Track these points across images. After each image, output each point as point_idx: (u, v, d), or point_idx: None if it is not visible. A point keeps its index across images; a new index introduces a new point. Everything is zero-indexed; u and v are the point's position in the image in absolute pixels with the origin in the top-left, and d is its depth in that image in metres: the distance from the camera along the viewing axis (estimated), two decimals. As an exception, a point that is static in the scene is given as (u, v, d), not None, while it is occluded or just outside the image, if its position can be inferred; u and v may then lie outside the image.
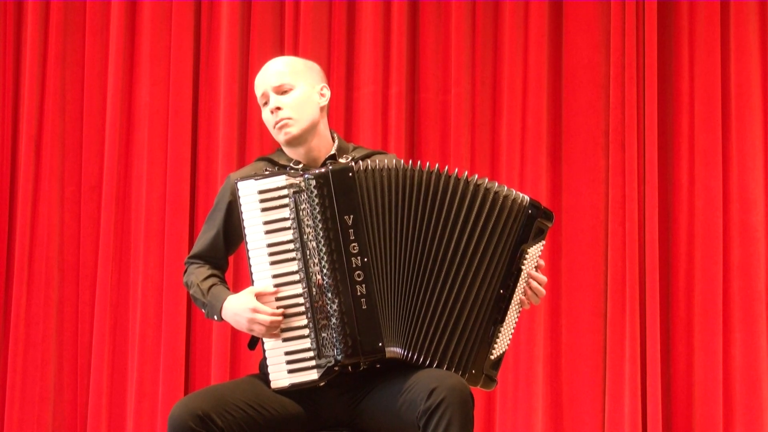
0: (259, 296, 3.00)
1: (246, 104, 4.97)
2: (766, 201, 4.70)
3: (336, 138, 3.25)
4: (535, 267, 3.09)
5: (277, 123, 3.15)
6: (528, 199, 3.05)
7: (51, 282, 5.02)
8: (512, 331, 3.08)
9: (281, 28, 4.99)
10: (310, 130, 3.17)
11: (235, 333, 4.87)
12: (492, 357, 3.03)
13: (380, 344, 2.94)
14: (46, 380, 4.99)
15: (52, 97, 5.07)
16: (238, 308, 3.03)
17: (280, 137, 3.17)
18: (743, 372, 4.64)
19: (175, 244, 4.89)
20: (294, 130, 3.15)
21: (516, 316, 3.09)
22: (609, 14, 4.78)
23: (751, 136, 4.73)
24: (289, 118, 3.14)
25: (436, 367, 2.97)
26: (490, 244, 3.02)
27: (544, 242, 3.09)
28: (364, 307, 2.95)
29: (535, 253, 3.07)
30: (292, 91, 3.16)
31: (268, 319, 2.98)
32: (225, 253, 3.26)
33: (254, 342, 3.12)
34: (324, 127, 3.22)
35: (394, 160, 3.15)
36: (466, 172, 3.05)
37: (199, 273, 3.21)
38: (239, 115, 4.94)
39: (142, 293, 4.93)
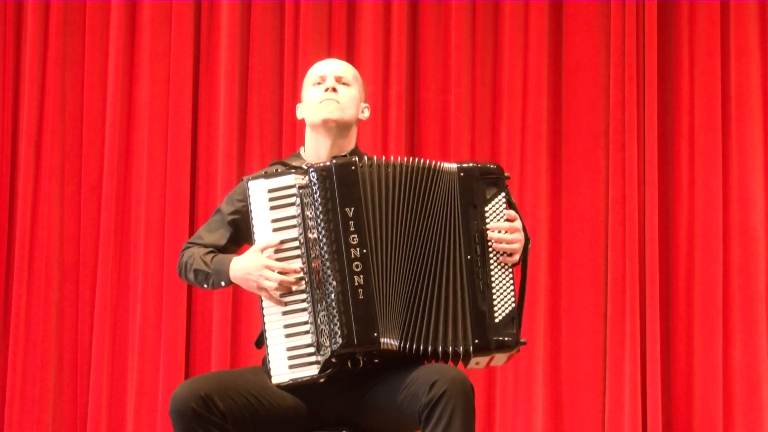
0: (265, 250, 3.05)
1: (246, 104, 4.97)
2: (766, 201, 4.70)
3: (354, 146, 3.31)
4: (504, 220, 3.08)
5: (326, 99, 3.21)
6: (456, 165, 3.08)
7: (51, 282, 5.02)
8: (510, 288, 3.06)
9: (281, 28, 4.99)
10: (346, 128, 3.24)
11: (235, 333, 4.87)
12: (497, 320, 3.03)
13: (375, 334, 2.97)
14: (46, 380, 4.99)
15: (52, 97, 5.07)
16: (249, 266, 3.06)
17: (322, 113, 3.21)
18: (743, 372, 4.64)
19: (175, 244, 4.89)
20: (337, 114, 3.21)
21: (505, 273, 3.07)
22: (609, 14, 4.78)
23: (751, 136, 4.73)
24: (338, 102, 3.21)
25: (433, 349, 2.99)
26: (437, 220, 3.04)
27: (503, 194, 3.09)
28: (361, 297, 2.97)
29: (495, 209, 3.08)
30: (350, 88, 3.25)
31: (279, 276, 3.01)
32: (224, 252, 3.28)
33: (261, 341, 3.13)
34: (354, 136, 3.29)
35: None
36: (426, 160, 3.07)
37: (200, 250, 3.23)
38: (239, 115, 4.94)
39: (142, 293, 4.93)
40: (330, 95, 3.21)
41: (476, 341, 3.01)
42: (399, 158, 3.07)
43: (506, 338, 3.03)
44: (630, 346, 4.62)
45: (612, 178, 4.73)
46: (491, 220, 3.07)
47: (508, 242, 3.07)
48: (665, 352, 4.69)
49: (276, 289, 3.03)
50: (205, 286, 3.20)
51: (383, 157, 3.08)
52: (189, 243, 3.29)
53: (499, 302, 3.05)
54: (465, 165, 3.09)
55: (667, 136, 4.80)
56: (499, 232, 3.06)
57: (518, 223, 3.10)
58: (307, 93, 3.28)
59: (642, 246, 4.69)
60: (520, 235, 3.10)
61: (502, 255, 3.07)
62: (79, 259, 5.05)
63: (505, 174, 3.10)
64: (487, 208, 3.07)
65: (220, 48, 4.98)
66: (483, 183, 3.07)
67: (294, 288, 3.03)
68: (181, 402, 2.93)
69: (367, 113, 3.31)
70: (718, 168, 4.71)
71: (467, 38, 4.86)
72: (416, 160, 3.07)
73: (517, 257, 3.10)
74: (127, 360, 4.97)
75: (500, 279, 3.06)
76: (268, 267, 3.03)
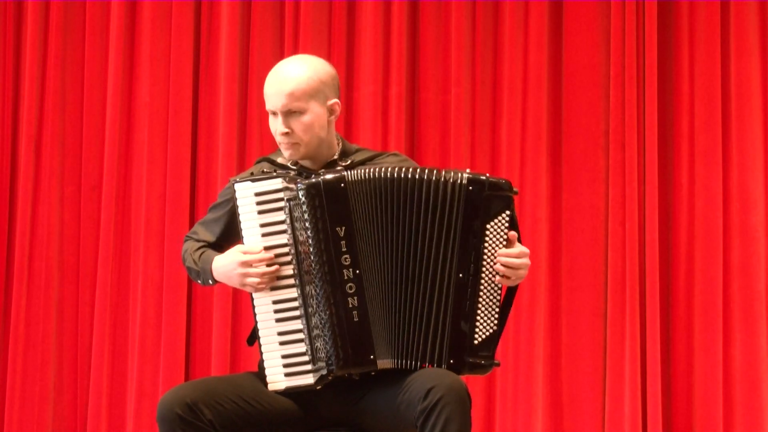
0: (246, 254, 3.01)
1: (246, 104, 4.96)
2: (766, 201, 4.70)
3: (340, 141, 3.22)
4: (505, 240, 3.00)
5: (283, 143, 3.11)
6: (467, 176, 2.97)
7: (51, 282, 5.02)
8: (496, 310, 3.00)
9: (281, 28, 4.99)
10: (316, 148, 3.13)
11: (235, 333, 4.87)
12: (476, 342, 2.99)
13: (371, 357, 2.95)
14: (46, 380, 5.00)
15: (52, 97, 5.07)
16: (228, 264, 3.04)
17: (284, 153, 3.14)
18: (743, 372, 4.64)
19: (175, 244, 4.89)
20: (298, 154, 3.11)
21: (493, 295, 3.00)
22: (609, 14, 4.78)
23: (751, 136, 4.73)
24: (296, 144, 3.10)
25: (419, 366, 2.96)
26: (432, 234, 2.97)
27: (508, 212, 2.99)
28: (356, 319, 2.94)
29: (497, 227, 3.00)
30: (303, 116, 3.08)
31: (258, 271, 2.98)
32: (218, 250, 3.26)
33: (252, 338, 3.13)
34: (333, 136, 3.18)
35: (395, 160, 3.16)
36: (421, 169, 2.98)
37: (193, 245, 3.22)
38: (239, 115, 4.94)
39: (142, 293, 4.93)
40: (284, 139, 3.09)
41: (451, 361, 2.97)
42: (396, 168, 2.99)
43: (481, 361, 2.99)
44: (630, 346, 4.62)
45: (612, 178, 4.73)
46: (491, 238, 2.99)
47: (516, 267, 3.00)
48: (665, 352, 4.69)
49: (260, 283, 3.00)
50: (199, 281, 3.19)
51: (376, 168, 3.00)
52: (188, 236, 3.28)
53: (481, 323, 2.99)
54: (474, 177, 2.98)
55: (667, 136, 4.79)
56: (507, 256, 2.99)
57: (524, 249, 3.02)
58: (269, 119, 3.14)
59: (642, 246, 4.68)
60: (526, 262, 3.02)
61: (500, 276, 2.99)
62: (79, 259, 5.05)
63: (514, 190, 3.00)
64: (488, 226, 2.98)
65: (220, 48, 4.98)
66: (490, 198, 2.98)
67: (286, 296, 3.00)
68: (166, 408, 2.92)
69: (337, 110, 3.14)
70: (718, 168, 4.71)
71: (467, 38, 4.86)
72: (416, 170, 2.98)
73: (515, 282, 3.03)
74: (127, 360, 4.97)
75: (488, 300, 3.00)
76: (244, 263, 2.99)
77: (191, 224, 4.94)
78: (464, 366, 2.98)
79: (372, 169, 3.00)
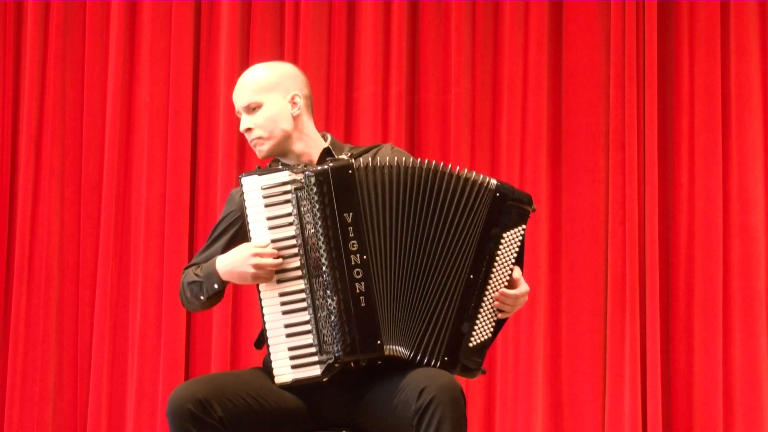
0: (257, 247, 3.01)
1: (246, 104, 4.96)
2: (766, 201, 4.70)
3: (329, 137, 3.25)
4: (508, 277, 3.04)
5: (250, 141, 3.18)
6: (495, 182, 3.03)
7: (51, 282, 5.02)
8: (494, 318, 3.04)
9: (281, 28, 5.00)
10: (284, 142, 3.16)
11: (235, 333, 4.87)
12: (471, 344, 3.01)
13: (378, 342, 2.96)
14: (46, 380, 5.00)
15: (52, 97, 5.07)
16: (238, 258, 3.03)
17: (256, 152, 3.19)
18: (743, 372, 4.64)
19: (175, 244, 4.89)
20: (265, 148, 3.16)
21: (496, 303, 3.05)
22: (609, 14, 4.78)
23: (751, 136, 4.73)
24: (260, 138, 3.15)
25: (414, 355, 2.98)
26: (453, 230, 3.00)
27: (523, 226, 3.04)
28: (363, 304, 2.95)
29: (511, 238, 3.04)
30: (261, 109, 3.14)
31: (271, 261, 2.98)
32: None
33: (260, 342, 3.12)
34: (308, 130, 3.20)
35: (391, 151, 3.19)
36: (440, 163, 3.01)
37: (192, 269, 3.21)
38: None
39: (142, 293, 4.93)
40: (249, 137, 3.16)
41: (445, 359, 2.99)
42: (405, 159, 3.02)
43: (471, 365, 3.02)
44: (630, 346, 4.62)
45: (612, 178, 4.73)
46: (504, 247, 3.03)
47: (513, 304, 3.05)
48: (665, 352, 4.69)
49: (269, 277, 2.99)
50: (202, 297, 3.14)
51: (386, 158, 3.03)
52: (186, 267, 3.26)
53: (479, 328, 3.02)
54: (503, 185, 3.03)
55: (667, 136, 4.80)
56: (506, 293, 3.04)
57: (525, 288, 3.07)
58: None
59: (642, 246, 4.69)
60: (524, 300, 3.08)
61: (497, 302, 3.04)
62: (79, 259, 5.05)
63: (533, 206, 3.06)
64: (505, 235, 3.03)
65: (220, 48, 4.98)
66: (511, 208, 3.03)
67: (293, 288, 3.00)
68: (177, 404, 2.92)
69: (299, 102, 3.17)
70: (718, 168, 4.71)
71: (467, 38, 4.86)
72: (434, 164, 3.01)
73: (506, 315, 3.08)
74: (127, 360, 4.97)
75: (489, 306, 3.03)
76: (257, 254, 2.99)
77: (191, 224, 4.95)
78: (457, 366, 3.01)
79: (380, 159, 3.03)
